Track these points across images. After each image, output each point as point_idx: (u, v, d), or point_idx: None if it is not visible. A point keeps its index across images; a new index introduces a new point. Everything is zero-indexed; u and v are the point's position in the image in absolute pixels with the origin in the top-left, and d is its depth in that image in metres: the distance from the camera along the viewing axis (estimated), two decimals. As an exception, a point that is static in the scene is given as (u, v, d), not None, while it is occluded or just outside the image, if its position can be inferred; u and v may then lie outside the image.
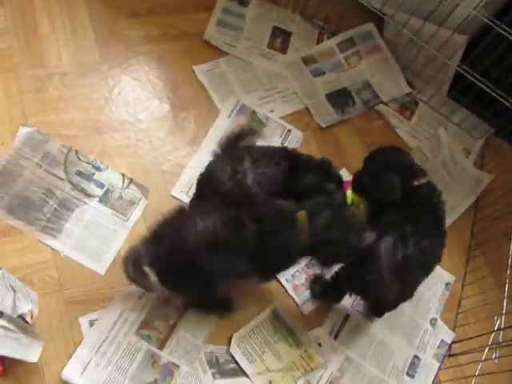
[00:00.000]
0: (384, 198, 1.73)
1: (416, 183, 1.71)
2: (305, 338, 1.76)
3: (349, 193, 1.79)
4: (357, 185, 1.79)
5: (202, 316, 1.68)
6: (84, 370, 1.55)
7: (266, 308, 1.77)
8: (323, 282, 1.83)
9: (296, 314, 1.80)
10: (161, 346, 1.62)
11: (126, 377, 1.56)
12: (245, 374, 1.66)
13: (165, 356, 1.61)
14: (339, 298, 1.82)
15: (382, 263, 1.57)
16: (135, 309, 1.66)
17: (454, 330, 1.95)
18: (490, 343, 1.76)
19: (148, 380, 1.57)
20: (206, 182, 1.71)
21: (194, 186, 1.80)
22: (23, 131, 1.80)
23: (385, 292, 1.63)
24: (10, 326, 1.44)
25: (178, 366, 1.61)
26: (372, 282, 1.60)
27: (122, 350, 1.59)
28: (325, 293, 1.82)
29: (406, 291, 1.70)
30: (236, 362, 1.67)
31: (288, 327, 1.77)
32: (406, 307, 1.89)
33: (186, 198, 1.85)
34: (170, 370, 1.60)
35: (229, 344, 1.69)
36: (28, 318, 1.49)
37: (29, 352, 1.45)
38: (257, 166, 1.66)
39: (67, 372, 1.53)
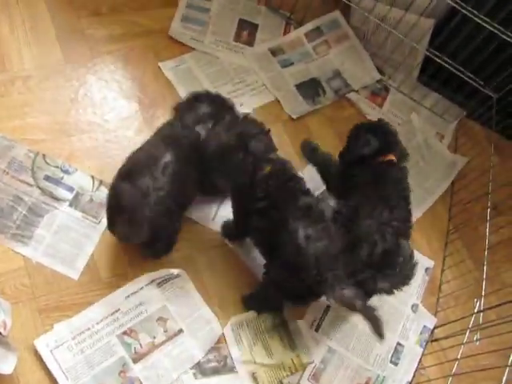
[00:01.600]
0: (356, 153, 1.78)
1: (384, 158, 1.76)
2: (300, 342, 1.74)
3: None
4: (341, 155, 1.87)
5: (188, 349, 1.64)
6: (56, 347, 1.54)
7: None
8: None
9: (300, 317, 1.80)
10: (136, 360, 1.58)
11: (90, 373, 1.53)
12: (227, 370, 1.65)
13: (135, 370, 1.57)
14: None
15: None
16: (128, 313, 1.63)
17: (435, 314, 1.95)
18: (470, 326, 1.75)
19: (108, 385, 1.55)
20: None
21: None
22: (-13, 139, 1.76)
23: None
24: (-17, 338, 1.41)
25: None
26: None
27: (99, 347, 1.57)
28: None
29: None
30: (217, 361, 1.65)
31: (287, 328, 1.75)
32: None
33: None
34: (133, 385, 1.57)
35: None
36: (1, 329, 1.45)
37: (3, 364, 1.42)
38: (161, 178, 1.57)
39: (40, 342, 1.53)
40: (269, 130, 1.65)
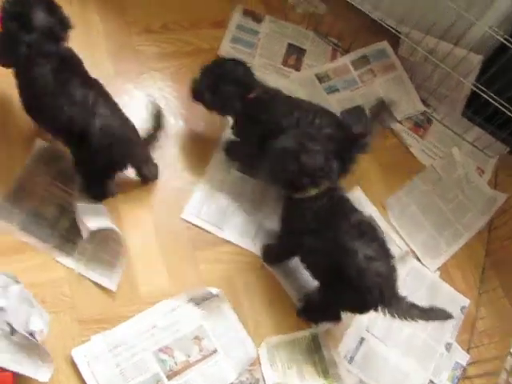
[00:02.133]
0: (224, 111, 1.86)
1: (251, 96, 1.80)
2: (334, 371, 1.73)
3: None
4: (195, 94, 1.87)
5: (222, 370, 1.64)
6: (93, 359, 1.55)
7: (307, 329, 1.77)
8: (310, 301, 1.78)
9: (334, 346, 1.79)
10: (170, 377, 1.59)
11: None
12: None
13: (169, 388, 1.59)
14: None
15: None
16: (165, 330, 1.64)
17: (468, 351, 1.93)
18: (507, 367, 1.72)
19: (141, 401, 1.55)
20: None
21: (205, 206, 1.83)
22: (37, 147, 1.79)
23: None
24: (24, 342, 1.41)
25: None
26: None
27: (134, 362, 1.58)
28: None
29: None
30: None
31: (321, 355, 1.75)
32: (420, 331, 1.87)
33: (197, 220, 1.85)
34: (167, 402, 1.57)
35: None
36: (37, 337, 1.47)
37: (39, 371, 1.43)
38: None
39: (77, 353, 1.54)
40: (329, 159, 1.61)
